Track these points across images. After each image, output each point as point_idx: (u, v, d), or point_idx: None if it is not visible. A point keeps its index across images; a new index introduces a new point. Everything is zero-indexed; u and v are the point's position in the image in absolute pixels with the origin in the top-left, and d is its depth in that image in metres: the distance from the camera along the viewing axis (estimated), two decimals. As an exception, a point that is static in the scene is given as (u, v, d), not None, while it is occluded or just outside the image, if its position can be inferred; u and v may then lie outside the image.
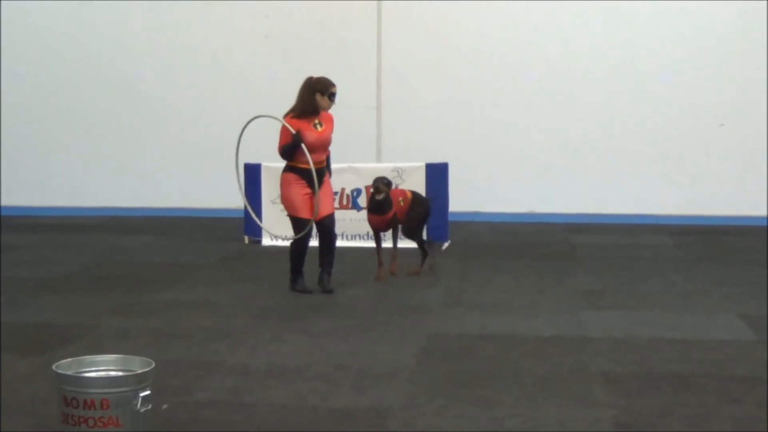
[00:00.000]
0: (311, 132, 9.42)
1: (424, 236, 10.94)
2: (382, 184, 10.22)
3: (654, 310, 9.06)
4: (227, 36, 15.38)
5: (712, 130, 14.77)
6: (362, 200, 12.31)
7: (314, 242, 10.00)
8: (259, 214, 12.33)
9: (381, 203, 10.23)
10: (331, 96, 9.53)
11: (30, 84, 15.80)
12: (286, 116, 9.50)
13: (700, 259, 11.76)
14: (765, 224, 14.21)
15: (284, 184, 9.62)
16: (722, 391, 6.62)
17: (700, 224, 14.42)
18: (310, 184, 9.44)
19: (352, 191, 12.43)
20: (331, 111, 9.66)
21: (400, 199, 10.43)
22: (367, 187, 10.76)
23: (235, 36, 15.34)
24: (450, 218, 12.50)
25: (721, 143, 14.74)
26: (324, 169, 9.60)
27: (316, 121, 9.49)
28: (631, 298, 9.56)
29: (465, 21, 15.05)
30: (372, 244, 11.28)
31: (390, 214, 10.30)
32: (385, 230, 10.52)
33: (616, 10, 14.85)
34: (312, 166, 9.26)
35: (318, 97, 9.48)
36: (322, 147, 9.52)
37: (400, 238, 10.59)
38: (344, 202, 12.46)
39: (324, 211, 9.57)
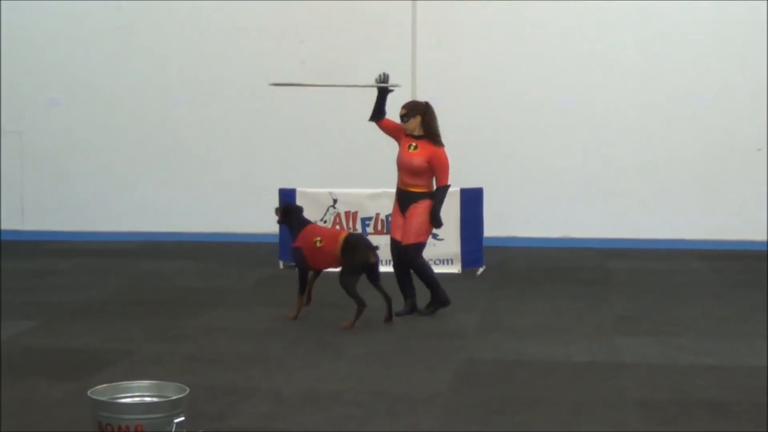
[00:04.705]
0: (402, 150, 9.83)
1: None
2: None
3: (691, 336, 8.99)
4: (262, 61, 15.39)
5: (749, 154, 14.66)
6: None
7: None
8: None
9: None
10: (402, 117, 9.95)
11: (66, 110, 15.89)
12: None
13: (738, 285, 11.66)
14: (803, 249, 14.08)
15: None
16: (761, 419, 6.55)
17: (737, 249, 14.30)
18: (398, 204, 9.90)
19: (386, 216, 12.41)
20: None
21: (317, 239, 9.45)
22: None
23: (270, 61, 15.35)
24: (485, 243, 12.48)
25: (758, 167, 14.61)
26: (416, 195, 9.74)
27: (414, 143, 9.79)
28: (667, 324, 9.49)
29: (499, 46, 15.03)
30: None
31: None
32: None
33: (651, 34, 14.79)
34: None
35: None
36: (404, 169, 9.79)
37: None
38: (379, 227, 12.45)
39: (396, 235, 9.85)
